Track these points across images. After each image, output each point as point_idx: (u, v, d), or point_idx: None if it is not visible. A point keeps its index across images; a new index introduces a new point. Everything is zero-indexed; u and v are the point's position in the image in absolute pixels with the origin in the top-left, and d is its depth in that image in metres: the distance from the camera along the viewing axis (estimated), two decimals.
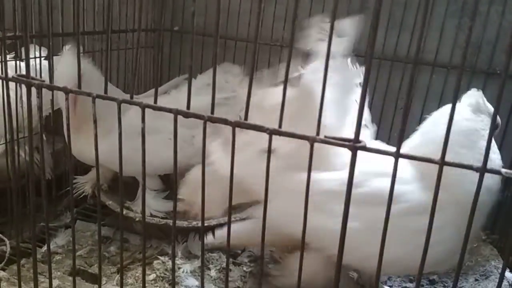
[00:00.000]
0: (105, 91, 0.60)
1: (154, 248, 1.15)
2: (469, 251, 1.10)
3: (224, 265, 1.11)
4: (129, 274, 1.05)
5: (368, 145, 0.51)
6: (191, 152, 1.21)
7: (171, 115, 0.58)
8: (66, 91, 0.60)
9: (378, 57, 1.37)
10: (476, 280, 1.01)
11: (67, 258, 1.10)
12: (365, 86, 0.49)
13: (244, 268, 1.11)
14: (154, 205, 1.19)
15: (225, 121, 0.55)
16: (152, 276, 1.04)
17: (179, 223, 1.12)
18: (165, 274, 1.04)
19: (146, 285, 1.01)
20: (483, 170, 0.47)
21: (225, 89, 1.25)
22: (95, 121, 0.60)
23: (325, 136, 0.52)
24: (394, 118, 1.38)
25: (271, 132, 0.53)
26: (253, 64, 0.55)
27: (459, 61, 1.31)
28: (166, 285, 1.02)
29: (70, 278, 1.04)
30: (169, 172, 1.22)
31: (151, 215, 1.18)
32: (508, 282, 0.99)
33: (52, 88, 0.62)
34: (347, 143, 0.51)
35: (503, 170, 0.48)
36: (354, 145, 0.50)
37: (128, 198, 1.21)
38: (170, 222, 1.12)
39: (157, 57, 1.55)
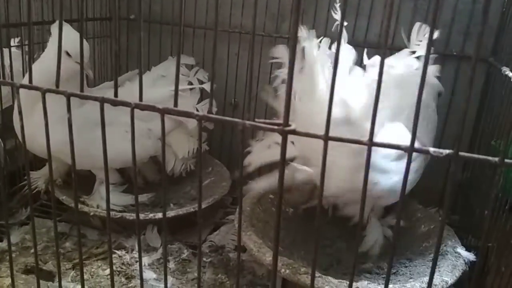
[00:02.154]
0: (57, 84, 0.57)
1: (113, 242, 1.13)
2: (426, 232, 1.11)
3: (183, 256, 1.10)
4: (84, 269, 1.02)
5: (297, 129, 0.50)
6: (148, 145, 1.19)
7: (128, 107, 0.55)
8: None
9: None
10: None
11: (21, 256, 1.07)
12: (291, 70, 0.48)
13: (204, 259, 1.10)
14: (112, 198, 1.16)
15: (153, 108, 0.53)
16: (108, 270, 1.02)
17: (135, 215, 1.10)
18: (121, 268, 1.02)
19: (102, 279, 1.00)
20: (411, 150, 0.47)
21: (181, 81, 1.22)
22: (20, 112, 0.57)
23: (255, 120, 0.51)
24: None
25: (201, 118, 0.52)
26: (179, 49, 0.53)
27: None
28: (123, 279, 1.00)
29: (24, 276, 1.01)
30: (125, 165, 1.19)
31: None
32: (464, 260, 1.00)
33: None
34: (276, 127, 0.50)
35: (431, 149, 0.47)
36: (283, 129, 0.49)
37: (84, 192, 1.19)
38: (127, 215, 1.10)
39: (114, 46, 1.51)
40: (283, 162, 0.53)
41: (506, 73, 1.02)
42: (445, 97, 1.24)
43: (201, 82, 1.28)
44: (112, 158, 1.08)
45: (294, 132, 0.50)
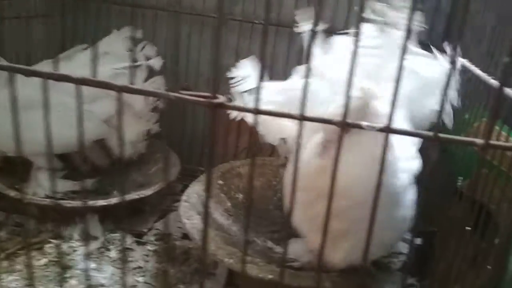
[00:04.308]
0: None
1: (50, 231, 1.06)
2: None
3: (126, 245, 1.05)
4: (18, 260, 0.96)
5: (226, 102, 0.46)
6: (89, 129, 1.13)
7: (66, 88, 0.49)
8: None
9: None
10: None
11: None
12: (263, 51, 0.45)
13: (148, 247, 1.06)
14: (50, 185, 1.09)
15: (105, 85, 0.48)
16: (43, 260, 0.97)
17: (74, 203, 1.04)
18: (57, 258, 0.97)
19: (36, 270, 0.94)
20: (343, 124, 0.45)
21: (125, 57, 1.15)
22: None
23: (181, 92, 0.47)
24: None
25: (120, 89, 0.48)
26: None
27: None
28: (59, 269, 0.95)
29: None
30: (62, 151, 1.12)
31: (47, 196, 1.09)
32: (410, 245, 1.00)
33: None
34: (203, 99, 0.46)
35: (364, 124, 0.45)
36: (211, 102, 0.46)
37: (22, 179, 1.11)
38: (64, 203, 1.04)
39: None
40: (213, 140, 0.50)
41: None
42: None
43: (148, 59, 1.21)
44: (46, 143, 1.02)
45: (222, 105, 0.47)
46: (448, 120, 0.89)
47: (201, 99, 0.46)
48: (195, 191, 1.08)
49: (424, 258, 1.03)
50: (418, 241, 0.97)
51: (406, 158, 0.79)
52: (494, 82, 0.75)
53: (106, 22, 1.39)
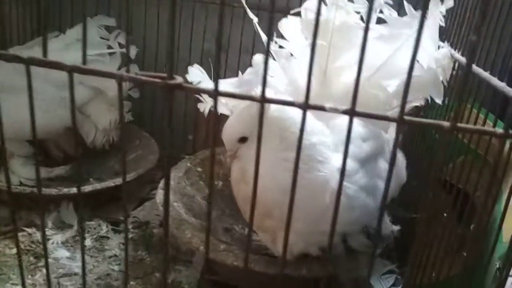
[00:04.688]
0: None
1: (25, 219, 1.04)
2: None
3: (102, 233, 1.03)
4: None
5: (184, 83, 0.44)
6: (62, 115, 1.10)
7: (37, 72, 0.47)
8: None
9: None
10: None
11: None
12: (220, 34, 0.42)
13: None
14: (24, 172, 1.07)
15: (56, 65, 0.45)
16: (16, 249, 0.94)
17: (48, 190, 1.02)
18: (30, 246, 0.95)
19: (8, 259, 0.92)
20: (305, 106, 0.43)
21: (99, 44, 1.13)
22: None
23: (136, 73, 0.45)
24: None
25: (71, 70, 0.45)
26: None
27: None
28: (31, 258, 0.93)
29: None
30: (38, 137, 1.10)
31: (21, 184, 1.07)
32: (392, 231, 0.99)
33: None
34: (159, 80, 0.44)
35: (327, 106, 0.43)
36: (167, 83, 0.44)
37: None
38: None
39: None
40: (170, 122, 0.47)
41: None
42: None
43: (122, 47, 1.18)
44: (17, 128, 0.99)
45: (180, 86, 0.45)
46: (437, 93, 0.85)
47: (157, 80, 0.44)
48: (173, 178, 1.06)
49: (405, 245, 1.02)
50: (398, 227, 0.95)
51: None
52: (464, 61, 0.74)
53: (81, 8, 1.36)
